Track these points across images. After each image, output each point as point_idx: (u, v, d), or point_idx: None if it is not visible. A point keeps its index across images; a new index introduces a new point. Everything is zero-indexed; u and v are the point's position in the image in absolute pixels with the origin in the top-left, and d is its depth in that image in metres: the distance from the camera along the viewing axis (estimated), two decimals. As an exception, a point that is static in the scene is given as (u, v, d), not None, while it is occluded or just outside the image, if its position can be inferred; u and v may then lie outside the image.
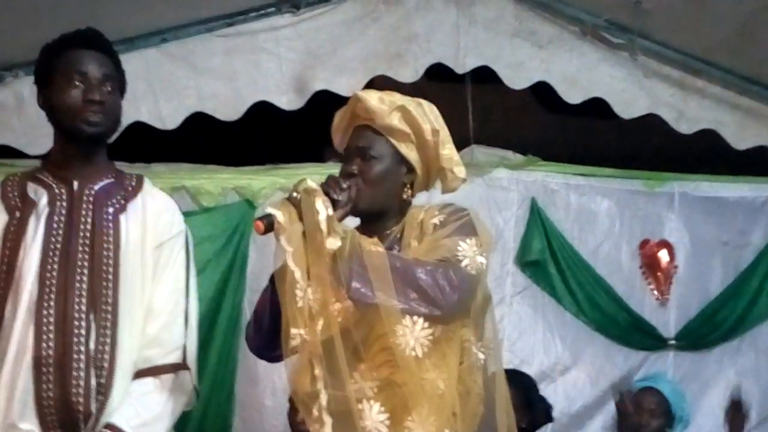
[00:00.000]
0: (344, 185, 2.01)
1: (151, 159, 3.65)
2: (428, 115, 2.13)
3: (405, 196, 2.15)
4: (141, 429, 2.16)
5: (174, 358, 2.25)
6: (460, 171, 2.18)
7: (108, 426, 2.13)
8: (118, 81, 2.27)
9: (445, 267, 1.95)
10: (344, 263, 1.89)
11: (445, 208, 2.11)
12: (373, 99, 2.11)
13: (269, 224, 1.90)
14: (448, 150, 2.15)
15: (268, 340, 2.01)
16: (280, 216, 1.90)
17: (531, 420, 3.33)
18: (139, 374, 2.21)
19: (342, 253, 1.89)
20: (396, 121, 2.10)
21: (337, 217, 1.94)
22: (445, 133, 2.15)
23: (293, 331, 1.89)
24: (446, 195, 2.22)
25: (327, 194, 1.94)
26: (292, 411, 3.15)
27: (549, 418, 3.52)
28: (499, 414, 2.10)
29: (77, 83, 2.18)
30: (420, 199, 2.23)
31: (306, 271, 1.89)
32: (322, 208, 1.90)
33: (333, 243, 1.88)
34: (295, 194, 1.93)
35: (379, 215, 2.12)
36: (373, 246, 1.95)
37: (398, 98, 2.13)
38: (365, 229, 2.10)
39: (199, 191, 3.58)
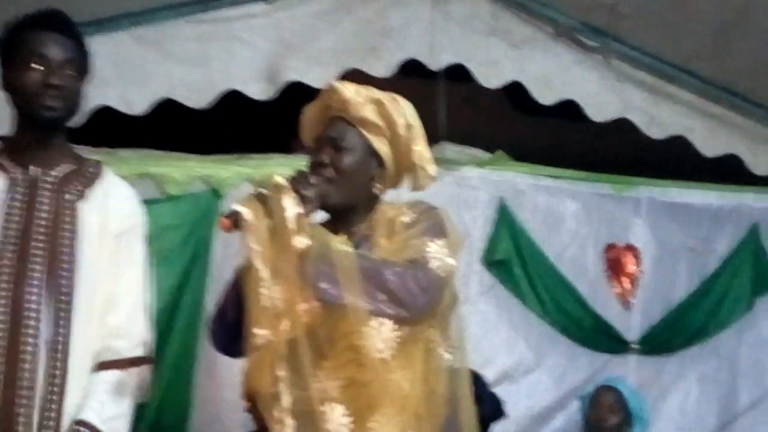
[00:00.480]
0: (313, 181, 1.97)
1: (118, 144, 3.58)
2: (402, 111, 2.11)
3: (375, 191, 2.12)
4: (111, 422, 2.13)
5: (140, 351, 2.23)
6: (432, 169, 2.16)
7: (79, 423, 2.10)
8: (79, 64, 2.20)
9: (414, 269, 1.93)
10: (312, 263, 1.86)
11: (416, 207, 2.09)
12: (349, 90, 2.09)
13: (235, 221, 1.86)
14: (420, 147, 2.13)
15: (233, 335, 1.98)
16: (246, 213, 1.86)
17: (480, 415, 3.32)
18: (105, 366, 2.17)
19: (310, 252, 1.86)
20: (370, 113, 2.08)
21: (305, 212, 1.90)
22: (418, 129, 2.13)
23: (257, 330, 1.85)
24: (415, 193, 2.19)
25: (296, 190, 1.90)
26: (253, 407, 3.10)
27: (500, 413, 3.50)
28: (462, 417, 2.09)
29: (36, 66, 2.12)
30: (389, 196, 2.19)
31: (272, 269, 1.86)
32: (290, 206, 1.86)
33: (301, 242, 1.85)
34: (262, 190, 1.89)
35: (347, 210, 2.09)
36: (341, 245, 1.92)
37: (374, 92, 2.12)
38: (334, 223, 2.07)
39: (165, 179, 3.53)
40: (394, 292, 1.89)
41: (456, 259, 2.01)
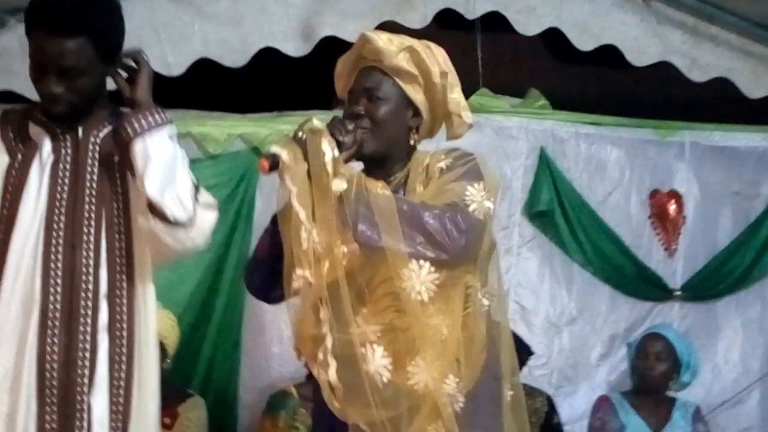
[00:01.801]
0: (350, 127, 1.98)
1: (157, 105, 3.61)
2: (437, 58, 2.10)
3: (411, 141, 2.12)
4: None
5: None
6: (467, 116, 2.15)
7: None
8: (89, 59, 2.05)
9: (452, 211, 1.93)
10: (350, 205, 1.87)
11: (451, 153, 2.08)
12: (382, 39, 2.08)
13: (274, 163, 1.87)
14: (456, 94, 2.13)
15: (269, 280, 2.00)
16: (285, 155, 1.87)
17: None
18: None
19: (348, 195, 1.87)
20: (404, 62, 2.07)
21: (342, 158, 1.91)
22: (453, 76, 2.12)
23: (297, 272, 1.87)
24: (453, 142, 2.18)
25: (332, 135, 1.91)
26: None
27: (528, 352, 3.53)
28: (503, 363, 2.09)
29: (36, 73, 2.04)
30: (425, 146, 2.19)
31: (311, 212, 1.87)
32: (328, 149, 1.87)
33: (339, 185, 1.86)
34: (300, 134, 1.90)
35: (384, 159, 2.10)
36: (379, 189, 1.93)
37: (407, 40, 2.10)
38: (370, 173, 2.07)
39: (205, 138, 3.55)
40: (432, 234, 1.89)
41: (494, 202, 2.01)
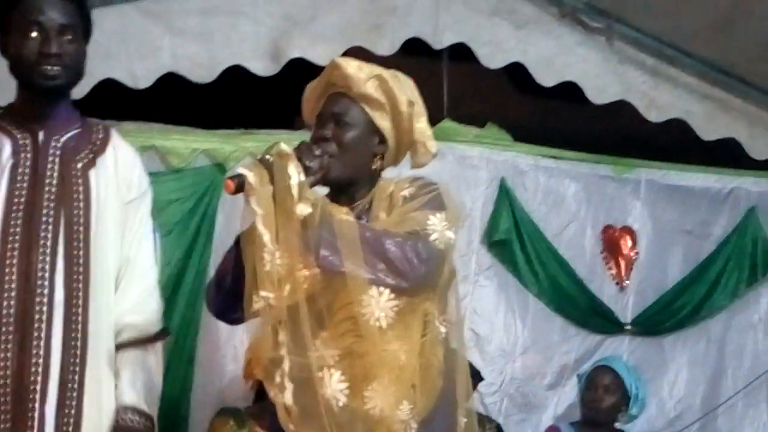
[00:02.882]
0: (317, 152, 2.00)
1: (122, 117, 3.60)
2: (404, 88, 2.14)
3: (375, 167, 2.15)
4: (150, 400, 2.20)
5: (159, 325, 2.27)
6: (432, 145, 2.18)
7: (123, 408, 2.14)
8: (80, 28, 2.15)
9: (413, 240, 1.96)
10: (314, 230, 1.89)
11: (416, 181, 2.11)
12: (351, 66, 2.11)
13: (240, 184, 1.88)
14: (422, 123, 2.16)
15: (229, 301, 2.01)
16: (251, 177, 1.88)
17: None
18: (130, 344, 2.19)
19: (312, 220, 1.89)
20: (372, 89, 2.10)
21: (308, 183, 1.93)
22: (420, 106, 2.16)
23: (261, 293, 1.88)
24: (417, 170, 2.21)
25: (299, 160, 1.92)
26: None
27: (479, 378, 3.57)
28: (459, 390, 2.12)
29: (34, 34, 2.08)
30: (389, 174, 2.22)
31: (274, 234, 1.88)
32: (295, 173, 1.89)
33: (303, 209, 1.88)
34: (267, 157, 1.91)
35: (348, 185, 2.12)
36: (343, 215, 1.95)
37: (376, 68, 2.13)
38: (334, 198, 2.10)
39: (169, 152, 3.54)
40: (393, 261, 1.92)
41: (455, 232, 2.04)
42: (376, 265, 1.91)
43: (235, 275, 1.98)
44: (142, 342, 2.22)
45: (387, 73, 2.13)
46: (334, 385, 1.94)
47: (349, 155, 2.08)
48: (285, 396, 1.92)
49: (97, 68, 3.14)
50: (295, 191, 1.87)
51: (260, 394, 3.18)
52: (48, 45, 2.08)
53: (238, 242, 1.99)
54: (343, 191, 2.12)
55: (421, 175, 2.17)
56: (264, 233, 1.87)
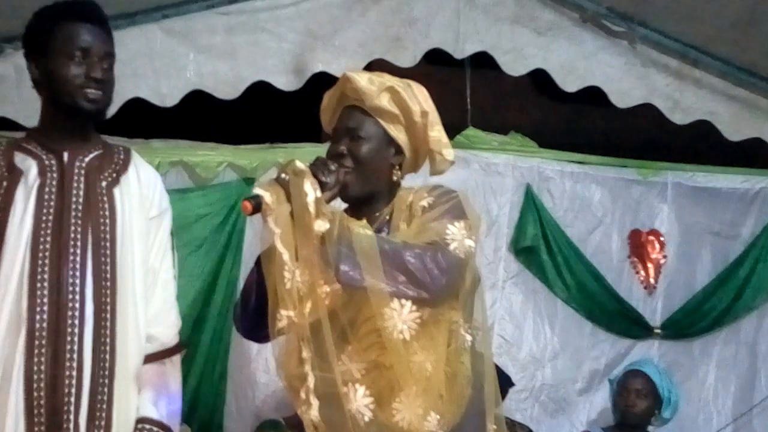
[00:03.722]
0: (332, 167, 2.00)
1: (150, 135, 3.67)
2: (417, 97, 2.14)
3: (394, 178, 2.16)
4: (171, 417, 2.24)
5: (177, 337, 2.32)
6: (448, 153, 2.18)
7: (142, 420, 2.19)
8: (114, 57, 2.25)
9: (433, 250, 1.96)
10: (333, 246, 1.89)
11: (434, 190, 2.12)
12: (363, 79, 2.11)
13: (257, 205, 1.89)
14: (436, 132, 2.16)
15: (255, 320, 2.02)
16: (267, 197, 1.89)
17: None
18: (151, 358, 2.25)
19: (330, 235, 1.89)
20: (385, 102, 2.11)
21: (324, 199, 1.93)
22: (433, 114, 2.16)
23: (282, 312, 1.89)
24: (439, 177, 2.22)
25: (315, 176, 1.93)
26: None
27: (509, 383, 3.57)
28: (487, 397, 2.11)
29: (78, 59, 2.17)
30: (414, 181, 2.24)
31: (294, 252, 1.89)
32: (311, 190, 1.89)
33: (321, 225, 1.88)
34: (283, 175, 1.92)
35: (368, 198, 2.13)
36: (361, 229, 1.95)
37: (387, 79, 2.14)
38: (354, 211, 2.11)
39: (197, 168, 3.59)
40: (414, 273, 1.92)
41: (475, 240, 2.04)
42: (397, 278, 1.92)
43: (259, 295, 1.99)
44: (161, 355, 2.27)
45: (399, 84, 2.14)
46: (360, 400, 1.95)
47: (366, 169, 2.10)
48: (311, 413, 1.93)
49: (125, 88, 3.20)
50: (312, 208, 1.88)
51: None
52: (94, 70, 2.17)
53: (259, 262, 2.00)
54: (363, 204, 2.14)
55: (446, 183, 2.18)
56: (283, 252, 1.88)
